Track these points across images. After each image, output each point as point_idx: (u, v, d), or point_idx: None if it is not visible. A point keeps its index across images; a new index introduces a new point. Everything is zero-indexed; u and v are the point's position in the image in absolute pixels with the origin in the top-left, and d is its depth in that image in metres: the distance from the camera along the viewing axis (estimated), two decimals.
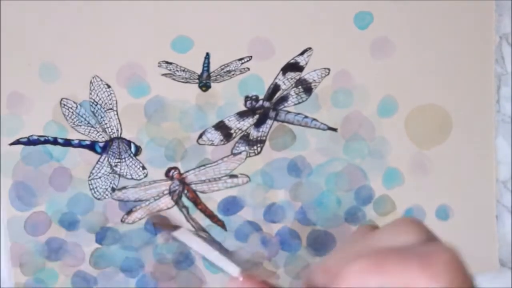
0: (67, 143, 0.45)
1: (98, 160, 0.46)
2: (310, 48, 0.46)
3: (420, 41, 0.47)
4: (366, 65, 0.47)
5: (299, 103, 0.47)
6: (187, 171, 0.47)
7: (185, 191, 0.47)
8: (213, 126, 0.46)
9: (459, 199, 0.49)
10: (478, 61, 0.48)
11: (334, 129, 0.47)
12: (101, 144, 0.46)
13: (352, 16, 0.46)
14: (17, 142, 0.45)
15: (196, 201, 0.47)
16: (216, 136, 0.47)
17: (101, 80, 0.45)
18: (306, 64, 0.46)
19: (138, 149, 0.46)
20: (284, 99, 0.47)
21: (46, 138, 0.45)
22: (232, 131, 0.47)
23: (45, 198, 0.46)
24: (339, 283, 0.36)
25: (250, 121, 0.47)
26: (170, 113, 0.46)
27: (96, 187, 0.46)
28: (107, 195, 0.46)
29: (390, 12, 0.46)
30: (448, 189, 0.49)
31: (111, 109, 0.45)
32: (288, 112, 0.47)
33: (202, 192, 0.47)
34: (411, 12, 0.47)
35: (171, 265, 0.47)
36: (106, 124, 0.46)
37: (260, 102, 0.47)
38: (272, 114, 0.47)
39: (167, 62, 0.45)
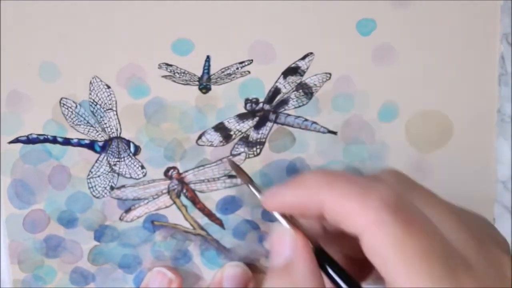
0: (66, 142, 0.45)
1: (97, 159, 0.46)
2: (311, 53, 0.46)
3: (422, 48, 0.46)
4: (368, 71, 0.46)
5: (300, 106, 0.47)
6: (186, 171, 0.47)
7: (184, 191, 0.47)
8: (213, 127, 0.46)
9: (459, 202, 0.49)
10: (480, 66, 0.47)
11: (334, 133, 0.47)
12: (100, 144, 0.46)
13: (355, 22, 0.45)
14: (16, 140, 0.45)
15: (195, 200, 0.47)
16: (216, 137, 0.46)
17: (101, 80, 0.45)
18: (307, 68, 0.46)
19: (137, 149, 0.46)
20: (284, 102, 0.47)
21: (46, 136, 0.45)
22: (231, 133, 0.47)
23: (44, 196, 0.46)
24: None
25: (249, 123, 0.47)
26: (169, 114, 0.46)
27: (95, 186, 0.46)
28: (105, 193, 0.46)
29: (394, 20, 0.46)
30: (447, 191, 0.49)
31: (110, 109, 0.45)
32: (288, 115, 0.47)
33: (201, 191, 0.47)
34: (415, 19, 0.46)
35: (168, 261, 0.48)
36: (105, 124, 0.45)
37: (260, 105, 0.46)
38: (272, 116, 0.47)
39: (167, 64, 0.45)
